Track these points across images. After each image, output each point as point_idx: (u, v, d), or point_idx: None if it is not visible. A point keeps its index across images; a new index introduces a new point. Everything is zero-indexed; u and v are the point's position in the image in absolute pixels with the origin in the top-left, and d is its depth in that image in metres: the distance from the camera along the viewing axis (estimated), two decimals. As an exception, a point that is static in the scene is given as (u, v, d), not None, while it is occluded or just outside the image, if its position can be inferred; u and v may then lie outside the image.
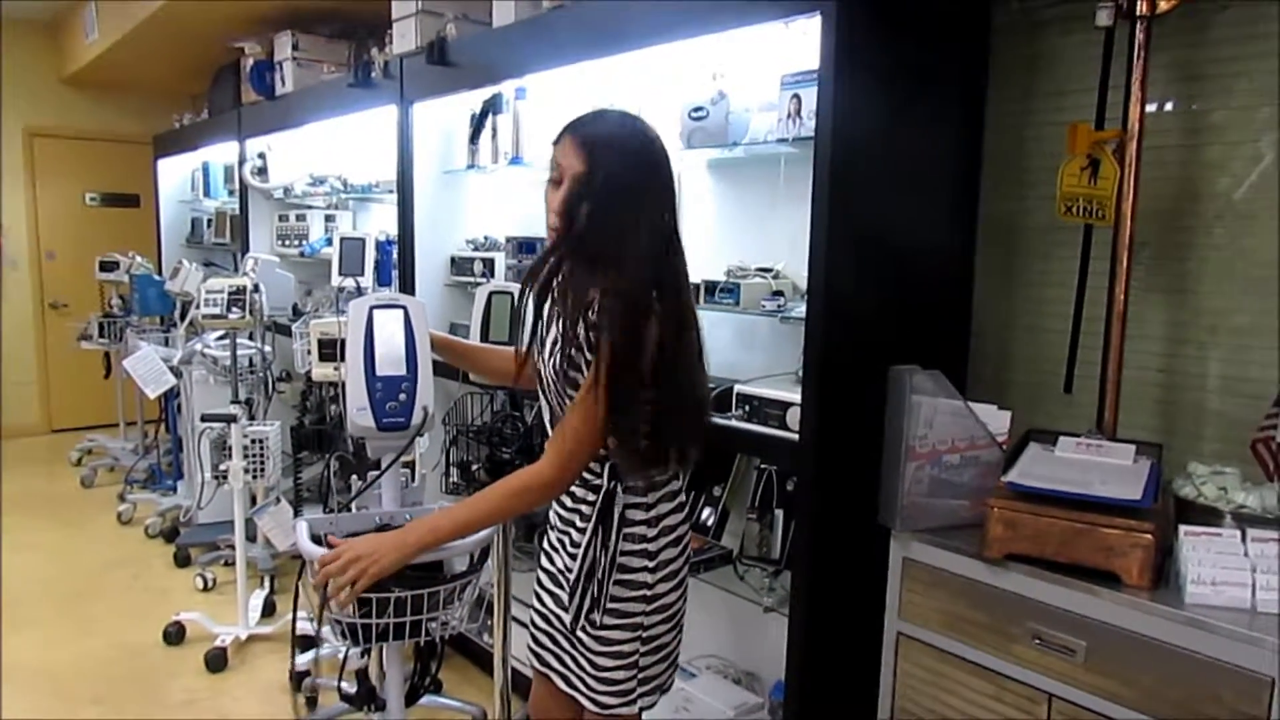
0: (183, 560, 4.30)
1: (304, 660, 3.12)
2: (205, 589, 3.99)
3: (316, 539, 1.67)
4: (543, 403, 1.79)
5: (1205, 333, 2.15)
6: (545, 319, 1.75)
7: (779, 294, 2.41)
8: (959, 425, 1.98)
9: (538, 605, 1.87)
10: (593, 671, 1.76)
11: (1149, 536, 1.64)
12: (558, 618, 1.80)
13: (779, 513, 2.49)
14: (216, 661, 3.28)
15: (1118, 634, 1.64)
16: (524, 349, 1.75)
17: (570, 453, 1.63)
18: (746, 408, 2.28)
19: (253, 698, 3.11)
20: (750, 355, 2.67)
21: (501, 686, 2.62)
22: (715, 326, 2.41)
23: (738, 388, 2.32)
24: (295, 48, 4.36)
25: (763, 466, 2.59)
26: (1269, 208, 2.02)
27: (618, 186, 1.60)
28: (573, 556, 1.73)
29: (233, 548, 3.93)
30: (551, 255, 1.66)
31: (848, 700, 2.12)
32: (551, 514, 1.83)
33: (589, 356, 1.62)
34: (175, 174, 6.51)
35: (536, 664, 1.88)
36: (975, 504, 1.89)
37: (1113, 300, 2.07)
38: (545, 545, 1.87)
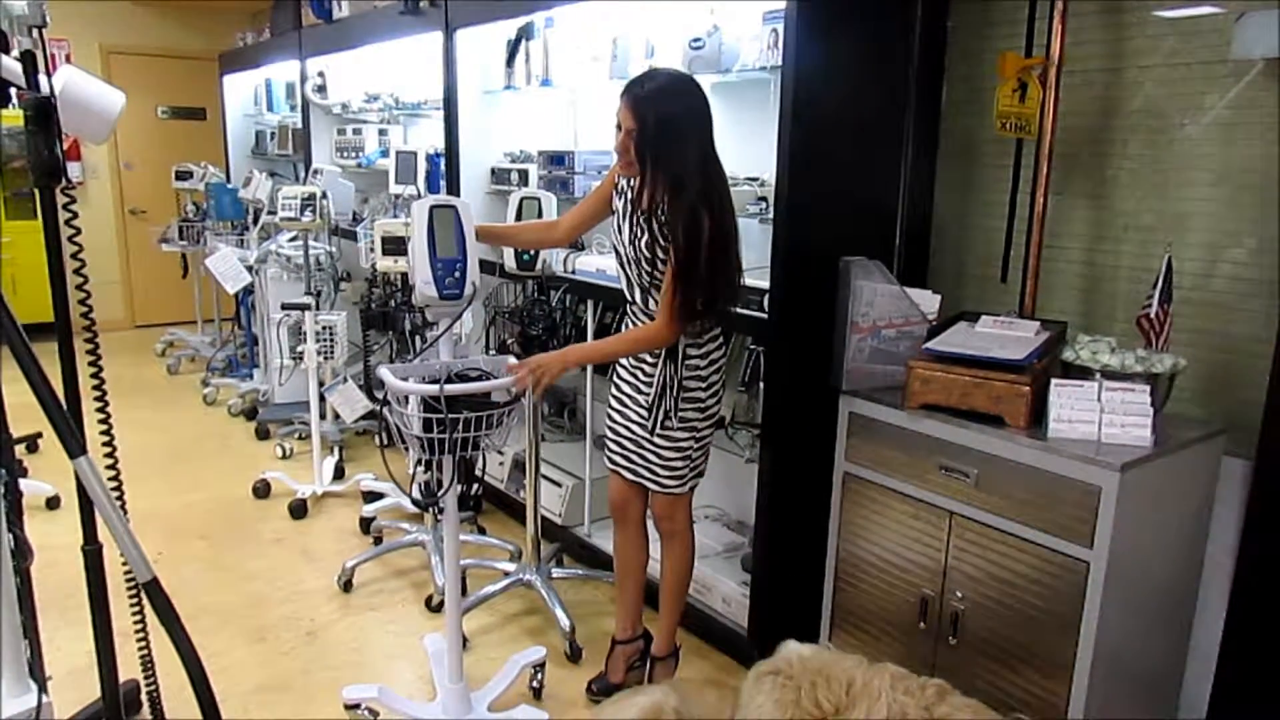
0: (262, 434, 4.94)
1: (370, 509, 3.73)
2: (284, 457, 4.61)
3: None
4: (624, 273, 2.41)
5: (1119, 230, 2.54)
6: (620, 214, 2.36)
7: (763, 199, 2.83)
8: (895, 305, 2.43)
9: (612, 426, 2.52)
10: (660, 464, 2.43)
11: (1027, 388, 2.10)
12: (630, 431, 2.45)
13: (763, 386, 2.97)
14: (298, 510, 3.89)
15: (1000, 462, 2.12)
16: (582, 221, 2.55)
17: (671, 318, 2.25)
18: (733, 294, 2.74)
19: (329, 537, 3.73)
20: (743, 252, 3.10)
21: (533, 531, 3.20)
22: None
23: (728, 278, 2.77)
24: (350, -26, 4.75)
25: (752, 347, 3.06)
26: (1172, 123, 2.39)
27: (664, 123, 2.16)
28: (648, 384, 2.38)
29: (306, 423, 4.54)
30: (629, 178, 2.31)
31: (805, 529, 2.63)
32: (624, 362, 2.46)
33: (664, 244, 2.23)
34: (240, 89, 6.96)
35: (610, 465, 2.56)
36: (907, 369, 2.35)
37: (1034, 203, 2.48)
38: (619, 388, 2.50)
